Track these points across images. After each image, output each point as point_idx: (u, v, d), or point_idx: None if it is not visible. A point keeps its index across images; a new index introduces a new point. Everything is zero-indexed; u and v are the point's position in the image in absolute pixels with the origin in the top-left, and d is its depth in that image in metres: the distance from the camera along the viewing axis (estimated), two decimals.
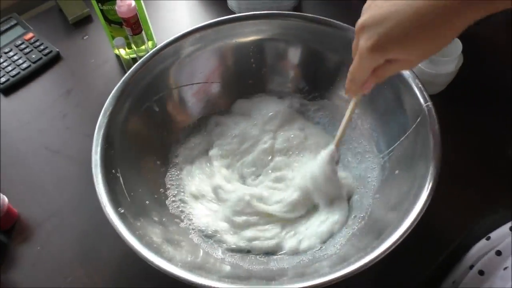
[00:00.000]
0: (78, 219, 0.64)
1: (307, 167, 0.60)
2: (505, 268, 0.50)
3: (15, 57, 0.82)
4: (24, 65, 0.81)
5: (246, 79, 0.69)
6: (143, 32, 0.71)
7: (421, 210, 0.47)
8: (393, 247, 0.44)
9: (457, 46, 0.67)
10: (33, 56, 0.82)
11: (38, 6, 0.94)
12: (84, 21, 0.89)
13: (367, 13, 0.40)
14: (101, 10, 0.72)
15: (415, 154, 0.53)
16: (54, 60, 0.83)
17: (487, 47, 0.77)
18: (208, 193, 0.62)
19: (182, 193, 0.62)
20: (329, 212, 0.58)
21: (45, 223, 0.63)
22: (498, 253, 0.52)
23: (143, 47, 0.74)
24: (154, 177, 0.61)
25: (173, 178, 0.63)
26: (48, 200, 0.66)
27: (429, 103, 0.53)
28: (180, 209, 0.60)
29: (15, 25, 0.86)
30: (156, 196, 0.59)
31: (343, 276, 0.43)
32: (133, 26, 0.67)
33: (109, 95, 0.58)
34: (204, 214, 0.60)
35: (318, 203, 0.59)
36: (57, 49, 0.83)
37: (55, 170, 0.69)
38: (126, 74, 0.60)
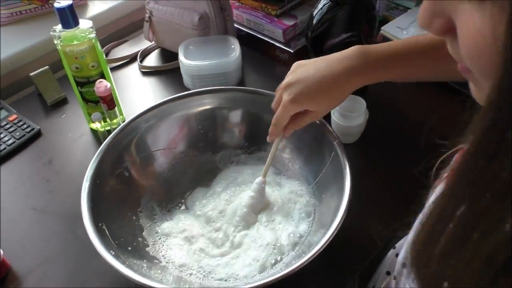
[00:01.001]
0: (64, 265, 0.74)
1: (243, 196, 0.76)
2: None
3: (1, 135, 0.94)
4: (10, 142, 0.94)
5: (197, 142, 0.84)
6: (116, 107, 0.87)
7: (336, 227, 0.61)
8: (313, 257, 0.58)
9: (362, 103, 0.87)
10: (17, 133, 0.95)
11: (19, 92, 1.09)
12: (61, 103, 1.04)
13: (291, 76, 0.62)
14: (80, 92, 0.88)
15: (333, 181, 0.69)
16: (36, 136, 0.96)
17: (387, 103, 0.99)
18: (178, 238, 0.74)
19: (157, 240, 0.74)
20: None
21: (35, 270, 0.73)
22: (397, 255, 0.68)
23: (115, 120, 0.90)
24: (131, 229, 0.73)
25: (149, 229, 0.75)
26: (37, 251, 0.76)
27: (338, 140, 0.71)
28: (159, 251, 0.72)
29: (0, 109, 1.00)
30: (135, 243, 0.70)
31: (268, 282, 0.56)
32: (108, 103, 0.83)
33: (86, 163, 0.71)
34: (178, 255, 0.71)
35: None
36: (38, 127, 0.96)
37: (42, 226, 0.80)
38: (102, 145, 0.73)
